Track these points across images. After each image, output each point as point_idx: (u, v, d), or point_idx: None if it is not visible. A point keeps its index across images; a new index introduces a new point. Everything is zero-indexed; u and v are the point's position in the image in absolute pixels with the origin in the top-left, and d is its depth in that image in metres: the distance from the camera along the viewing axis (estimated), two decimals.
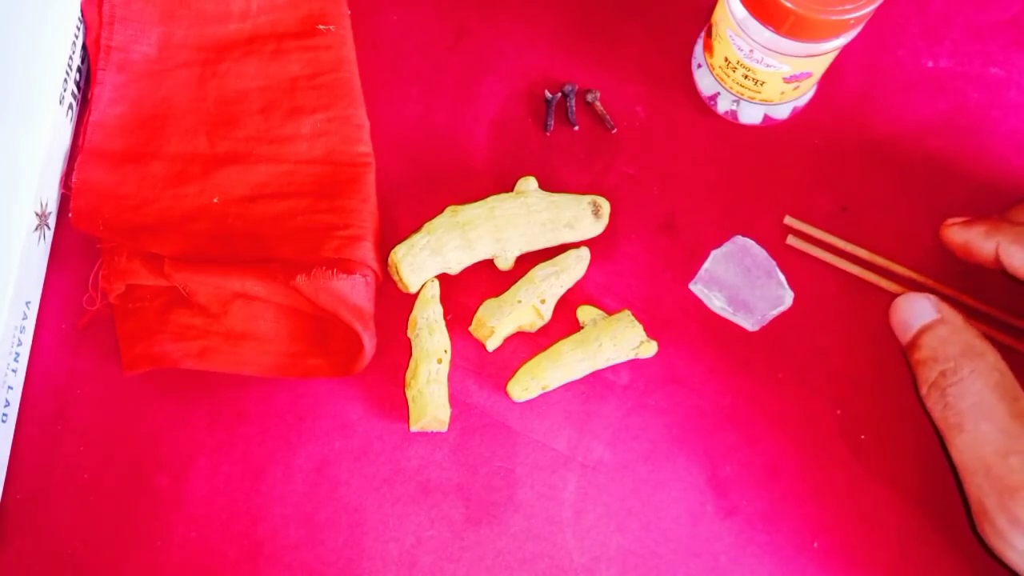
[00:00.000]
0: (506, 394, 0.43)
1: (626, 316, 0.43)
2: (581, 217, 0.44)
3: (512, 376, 0.43)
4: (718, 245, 0.45)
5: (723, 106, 0.47)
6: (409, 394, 0.42)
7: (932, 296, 0.41)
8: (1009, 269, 0.41)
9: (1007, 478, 0.36)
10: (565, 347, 0.43)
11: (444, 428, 0.42)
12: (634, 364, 0.44)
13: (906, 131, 0.48)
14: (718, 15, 0.43)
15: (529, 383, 0.42)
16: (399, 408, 0.43)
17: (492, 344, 0.43)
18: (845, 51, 0.45)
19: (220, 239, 0.44)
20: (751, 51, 0.42)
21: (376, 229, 0.44)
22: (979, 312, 0.44)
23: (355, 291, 0.41)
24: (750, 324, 0.44)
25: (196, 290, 0.43)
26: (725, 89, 0.46)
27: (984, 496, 0.37)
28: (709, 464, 0.43)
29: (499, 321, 0.43)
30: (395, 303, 0.44)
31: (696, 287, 0.45)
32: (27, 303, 0.43)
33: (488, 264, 0.45)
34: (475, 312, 0.44)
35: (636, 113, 0.48)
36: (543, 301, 0.43)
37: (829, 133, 0.47)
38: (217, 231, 0.44)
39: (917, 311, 0.41)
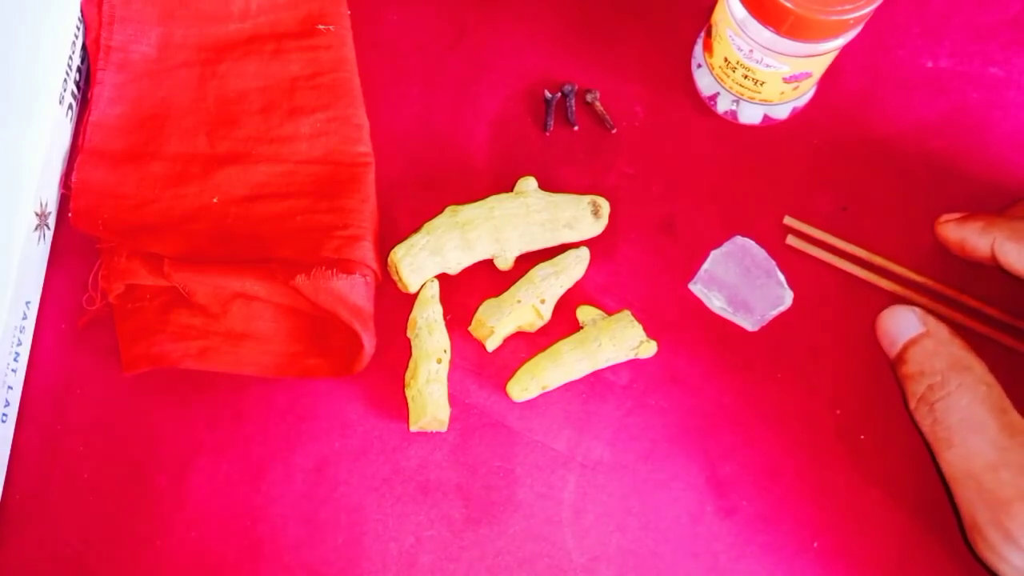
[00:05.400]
0: (506, 394, 0.43)
1: (626, 316, 0.43)
2: (581, 217, 0.44)
3: (512, 376, 0.43)
4: (718, 245, 0.45)
5: (723, 106, 0.47)
6: (409, 394, 0.42)
7: (918, 309, 0.41)
8: (1005, 266, 0.41)
9: (998, 492, 0.36)
10: (565, 347, 0.43)
11: (444, 428, 0.42)
12: (634, 364, 0.44)
13: (906, 131, 0.47)
14: (718, 15, 0.43)
15: (529, 383, 0.42)
16: (399, 408, 0.43)
17: (492, 344, 0.43)
18: (845, 51, 0.45)
19: (220, 239, 0.44)
20: (751, 51, 0.42)
21: (376, 229, 0.44)
22: (979, 313, 0.44)
23: (355, 291, 0.41)
24: (750, 324, 0.44)
25: (196, 290, 0.43)
26: (725, 89, 0.46)
27: (976, 510, 0.36)
28: (709, 464, 0.43)
29: (499, 321, 0.43)
30: (395, 303, 0.44)
31: (696, 287, 0.45)
32: (27, 303, 0.43)
33: (488, 264, 0.45)
34: (475, 312, 0.44)
35: (636, 113, 0.48)
36: (543, 301, 0.43)
37: (829, 133, 0.47)
38: (217, 231, 0.44)
39: (903, 324, 0.40)
